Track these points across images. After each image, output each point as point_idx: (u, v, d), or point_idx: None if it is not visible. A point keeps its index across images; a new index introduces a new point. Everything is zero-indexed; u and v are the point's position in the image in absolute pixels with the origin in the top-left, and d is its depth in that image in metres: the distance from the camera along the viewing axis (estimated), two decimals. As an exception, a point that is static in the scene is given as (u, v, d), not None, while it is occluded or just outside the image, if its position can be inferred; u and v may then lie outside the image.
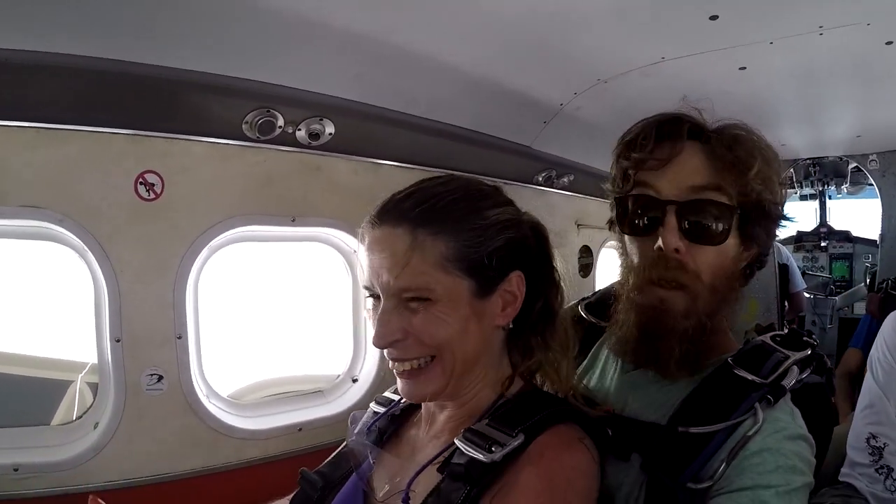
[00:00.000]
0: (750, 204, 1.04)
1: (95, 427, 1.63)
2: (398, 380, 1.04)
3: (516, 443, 0.91)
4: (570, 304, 1.39)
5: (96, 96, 1.48)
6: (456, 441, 0.95)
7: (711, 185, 1.02)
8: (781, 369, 1.01)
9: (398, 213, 0.99)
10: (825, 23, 1.70)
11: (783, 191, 1.10)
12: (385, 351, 1.00)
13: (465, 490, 0.90)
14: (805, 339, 1.09)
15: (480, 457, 0.90)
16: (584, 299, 1.35)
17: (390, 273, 0.96)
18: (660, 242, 1.02)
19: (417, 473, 1.00)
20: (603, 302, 1.27)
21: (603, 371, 1.20)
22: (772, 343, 1.08)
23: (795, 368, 1.02)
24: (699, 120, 1.09)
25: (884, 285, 3.14)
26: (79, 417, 1.72)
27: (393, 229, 0.98)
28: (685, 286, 1.03)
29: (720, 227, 1.04)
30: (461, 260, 0.99)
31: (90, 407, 1.71)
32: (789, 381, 1.00)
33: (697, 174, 1.03)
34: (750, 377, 1.00)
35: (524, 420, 0.95)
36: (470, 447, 0.92)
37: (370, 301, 1.03)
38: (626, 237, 1.12)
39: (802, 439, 0.98)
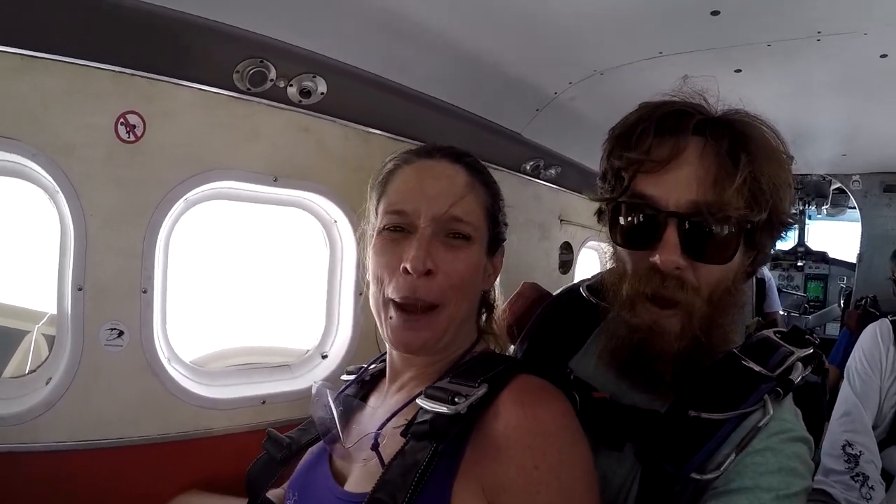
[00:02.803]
0: (756, 215, 0.95)
1: (48, 383, 1.54)
2: (394, 329, 1.00)
3: (480, 392, 0.89)
4: (566, 287, 1.36)
5: (86, 27, 1.42)
6: (418, 402, 0.92)
7: (718, 196, 0.92)
8: (787, 364, 0.98)
9: (453, 153, 1.07)
10: (823, 28, 1.71)
11: (793, 194, 1.03)
12: (399, 287, 0.98)
13: (431, 448, 0.87)
14: (807, 337, 1.05)
15: (444, 410, 0.87)
16: (584, 281, 1.30)
17: (445, 200, 0.99)
18: (657, 259, 0.94)
19: (387, 420, 0.99)
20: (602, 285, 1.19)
21: (599, 358, 1.13)
22: (776, 338, 1.04)
23: (800, 364, 0.99)
24: (704, 110, 0.99)
25: (862, 303, 3.21)
26: (32, 371, 1.63)
27: (451, 164, 1.05)
28: (682, 304, 0.96)
29: (727, 244, 0.96)
30: (493, 215, 1.07)
31: (45, 360, 1.62)
32: (796, 377, 0.97)
33: (702, 182, 0.93)
34: (758, 368, 0.97)
35: (485, 372, 0.94)
36: (432, 403, 0.89)
37: (385, 234, 1.01)
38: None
39: (804, 442, 0.95)
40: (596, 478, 0.91)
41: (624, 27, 1.78)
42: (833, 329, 4.84)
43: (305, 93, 1.76)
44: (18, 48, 1.39)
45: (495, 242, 1.09)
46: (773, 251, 1.11)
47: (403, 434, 0.92)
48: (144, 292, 1.64)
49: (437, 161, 1.04)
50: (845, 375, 2.30)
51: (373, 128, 2.05)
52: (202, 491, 1.68)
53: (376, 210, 1.05)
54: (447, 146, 1.08)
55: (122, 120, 1.54)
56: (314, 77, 1.75)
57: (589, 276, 1.33)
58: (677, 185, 0.94)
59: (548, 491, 0.84)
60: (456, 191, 1.00)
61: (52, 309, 1.62)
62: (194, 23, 1.48)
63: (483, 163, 1.12)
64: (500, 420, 0.88)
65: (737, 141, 0.94)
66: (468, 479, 0.87)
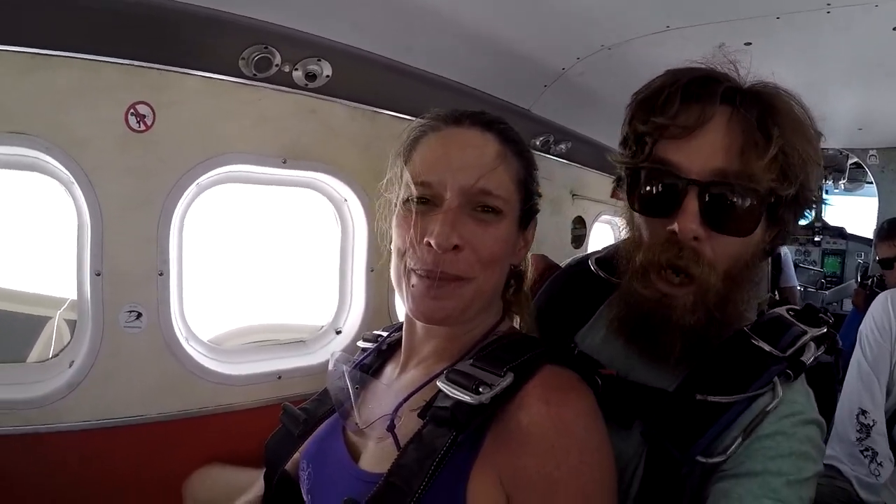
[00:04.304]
0: (784, 189, 0.93)
1: (70, 365, 1.60)
2: (416, 298, 0.96)
3: (505, 383, 0.86)
4: (575, 258, 1.36)
5: (92, 24, 1.45)
6: (439, 384, 0.90)
7: (742, 166, 0.90)
8: (799, 344, 0.95)
9: (483, 120, 1.00)
10: (833, 0, 1.66)
11: (821, 171, 1.00)
12: (422, 260, 0.94)
13: (450, 436, 0.86)
14: (821, 315, 1.02)
15: (467, 399, 0.85)
16: (594, 253, 1.29)
17: (475, 172, 0.93)
18: (675, 226, 0.92)
19: (404, 400, 0.97)
20: (614, 258, 1.17)
21: (608, 334, 1.13)
22: (789, 317, 1.01)
23: (812, 345, 0.96)
24: (732, 79, 0.96)
25: (869, 282, 3.18)
26: (55, 355, 1.69)
27: (482, 133, 0.98)
28: (696, 278, 0.93)
29: (749, 216, 0.93)
30: (525, 186, 1.02)
31: (67, 345, 1.68)
32: (808, 358, 0.95)
33: (727, 152, 0.91)
34: (768, 348, 0.95)
35: (511, 360, 0.91)
36: (455, 389, 0.87)
37: (409, 205, 0.96)
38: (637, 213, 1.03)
39: (816, 424, 0.93)
40: (615, 479, 0.90)
41: (631, 1, 1.75)
42: (850, 305, 4.79)
43: (311, 76, 1.78)
44: (29, 47, 1.43)
45: (528, 215, 1.05)
46: (795, 229, 1.08)
47: (421, 415, 0.90)
48: (161, 275, 1.68)
49: (466, 129, 0.98)
50: (858, 340, 2.31)
51: (379, 108, 2.06)
52: (223, 464, 1.71)
53: (400, 179, 1.01)
54: (478, 111, 1.02)
55: (132, 110, 1.57)
56: (319, 60, 1.76)
57: (599, 249, 1.32)
58: (702, 152, 0.92)
59: (566, 491, 0.83)
60: (485, 162, 0.94)
61: (72, 295, 1.67)
62: (198, 13, 1.50)
63: None
64: (524, 414, 0.86)
65: (766, 112, 0.91)
66: (486, 468, 0.86)
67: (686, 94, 0.94)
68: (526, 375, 0.89)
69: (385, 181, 1.06)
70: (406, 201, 0.97)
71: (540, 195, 1.08)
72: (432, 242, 0.91)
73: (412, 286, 0.96)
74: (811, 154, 0.93)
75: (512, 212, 0.99)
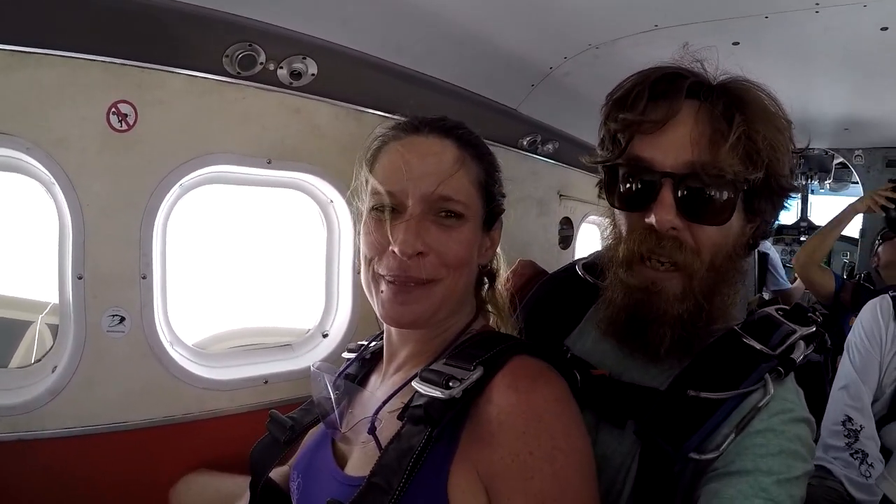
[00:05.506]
0: (751, 173, 0.94)
1: (53, 371, 1.57)
2: (385, 303, 0.98)
3: (475, 376, 0.88)
4: (563, 266, 1.36)
5: (75, 20, 1.43)
6: (414, 384, 0.92)
7: (711, 157, 0.92)
8: (789, 342, 0.97)
9: (442, 126, 1.02)
10: (821, 0, 1.67)
11: (793, 159, 1.00)
12: (389, 266, 0.96)
13: (426, 432, 0.87)
14: (809, 315, 1.04)
15: (438, 394, 0.87)
16: (579, 260, 1.30)
17: (434, 179, 0.95)
18: (653, 219, 0.94)
19: (383, 403, 0.99)
20: (599, 261, 1.18)
21: (598, 336, 1.13)
22: (778, 316, 1.03)
23: (802, 343, 0.98)
24: (700, 75, 0.98)
25: (856, 277, 3.22)
26: (38, 360, 1.66)
27: (440, 139, 1.00)
28: (681, 265, 0.95)
29: (723, 204, 0.95)
30: (487, 189, 1.04)
31: (50, 350, 1.65)
32: (798, 356, 0.97)
33: (696, 144, 0.93)
34: (759, 347, 0.97)
35: (481, 354, 0.92)
36: (428, 387, 0.89)
37: (374, 214, 0.98)
38: (615, 209, 1.05)
39: (806, 422, 0.94)
40: (592, 463, 0.90)
41: (618, 0, 1.75)
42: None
43: (296, 74, 1.76)
44: (9, 45, 1.40)
45: (492, 216, 1.06)
46: (775, 221, 1.09)
47: (400, 417, 0.92)
48: (144, 278, 1.65)
49: (425, 136, 1.00)
50: (845, 349, 2.31)
51: (365, 107, 2.04)
52: (210, 470, 1.70)
53: (366, 188, 1.03)
54: (437, 118, 1.03)
55: (113, 110, 1.54)
56: (304, 59, 1.74)
57: (585, 255, 1.33)
58: (672, 146, 0.94)
59: (541, 477, 0.84)
60: (444, 168, 0.96)
61: (54, 298, 1.64)
62: (181, 10, 1.48)
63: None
64: (494, 405, 0.88)
65: (732, 103, 0.93)
66: (464, 463, 0.88)
67: (654, 92, 0.96)
68: (496, 368, 0.91)
69: (350, 190, 1.07)
70: (371, 210, 0.99)
71: (503, 196, 1.10)
72: (396, 250, 0.93)
73: (381, 292, 0.99)
74: (779, 140, 0.95)
75: (474, 215, 1.01)
